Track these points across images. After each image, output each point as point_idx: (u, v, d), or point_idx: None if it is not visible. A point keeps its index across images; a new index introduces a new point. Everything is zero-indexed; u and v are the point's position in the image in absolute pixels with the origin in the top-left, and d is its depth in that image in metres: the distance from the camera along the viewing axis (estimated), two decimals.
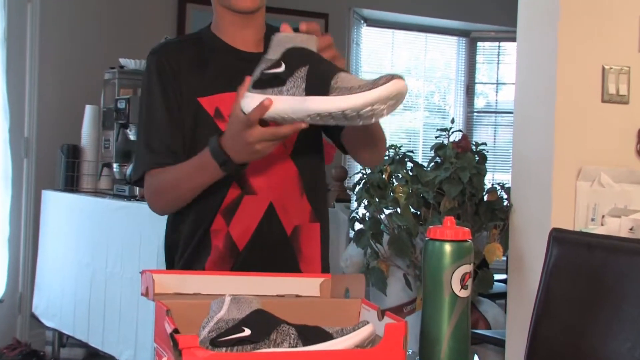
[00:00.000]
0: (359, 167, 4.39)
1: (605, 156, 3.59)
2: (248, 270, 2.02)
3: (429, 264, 1.72)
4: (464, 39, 8.65)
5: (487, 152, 4.29)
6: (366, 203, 4.25)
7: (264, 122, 1.85)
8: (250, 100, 1.83)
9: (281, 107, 1.78)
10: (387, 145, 3.26)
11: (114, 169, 5.16)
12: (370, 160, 2.48)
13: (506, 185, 4.06)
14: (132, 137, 5.08)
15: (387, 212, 4.20)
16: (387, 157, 4.17)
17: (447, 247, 1.70)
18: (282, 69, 1.79)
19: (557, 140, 3.52)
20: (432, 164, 4.23)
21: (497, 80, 8.77)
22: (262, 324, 1.49)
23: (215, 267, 2.25)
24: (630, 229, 3.38)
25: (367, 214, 4.27)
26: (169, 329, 1.41)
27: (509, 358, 3.71)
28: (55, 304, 5.38)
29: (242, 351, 1.46)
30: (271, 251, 2.27)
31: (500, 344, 3.99)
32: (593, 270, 2.20)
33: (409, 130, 8.63)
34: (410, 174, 4.18)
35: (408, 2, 7.68)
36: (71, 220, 5.33)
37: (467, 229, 1.72)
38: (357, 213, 4.32)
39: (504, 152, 8.16)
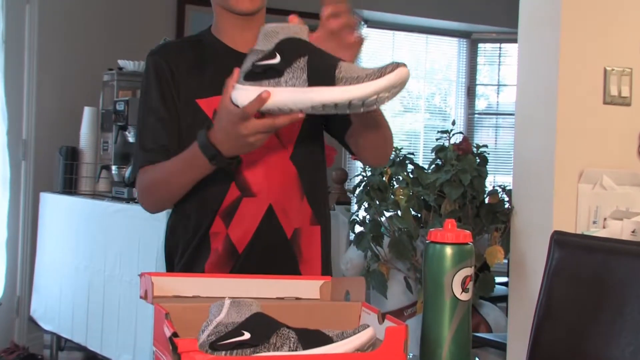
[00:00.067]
0: (360, 169, 4.38)
1: (607, 158, 3.59)
2: (248, 272, 2.02)
3: (429, 267, 1.71)
4: (465, 40, 8.63)
5: (488, 154, 4.28)
6: (366, 205, 4.25)
7: (257, 114, 1.84)
8: (243, 93, 1.82)
9: (281, 99, 1.78)
10: None
11: (113, 171, 5.14)
12: (377, 159, 2.45)
13: (507, 188, 4.05)
14: (130, 139, 5.07)
15: (387, 214, 4.19)
16: None
17: (448, 250, 1.69)
18: (277, 60, 1.78)
19: (559, 142, 3.52)
20: (433, 166, 4.22)
21: (498, 82, 8.76)
22: (262, 327, 1.49)
23: (215, 269, 2.24)
24: (633, 232, 3.42)
25: (368, 217, 4.26)
26: (168, 333, 1.41)
27: None
28: (54, 307, 5.36)
29: (241, 355, 1.46)
30: (271, 254, 2.26)
31: (501, 347, 3.98)
32: (595, 273, 2.20)
33: (410, 132, 8.62)
34: (411, 176, 4.17)
35: (408, 4, 7.67)
36: (69, 222, 5.32)
37: (468, 231, 1.72)
38: (357, 215, 4.32)
39: (505, 154, 8.15)
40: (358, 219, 4.29)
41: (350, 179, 5.78)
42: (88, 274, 5.01)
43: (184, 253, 2.31)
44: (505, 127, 8.52)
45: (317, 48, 1.82)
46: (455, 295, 1.68)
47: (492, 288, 4.15)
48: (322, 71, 1.74)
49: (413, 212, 4.13)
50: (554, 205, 3.50)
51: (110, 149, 5.24)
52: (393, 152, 4.17)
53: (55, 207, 5.52)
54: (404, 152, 4.26)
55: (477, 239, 4.07)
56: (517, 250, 3.76)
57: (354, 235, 4.33)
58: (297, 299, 1.82)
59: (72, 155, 5.52)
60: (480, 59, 8.70)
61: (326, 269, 2.36)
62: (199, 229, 2.27)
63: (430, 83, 8.72)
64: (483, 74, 8.78)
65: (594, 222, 3.51)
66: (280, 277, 1.87)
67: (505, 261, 4.04)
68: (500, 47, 8.67)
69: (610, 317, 2.12)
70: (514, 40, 3.88)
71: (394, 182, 4.20)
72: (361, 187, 4.26)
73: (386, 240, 4.19)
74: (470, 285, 1.70)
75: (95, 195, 5.40)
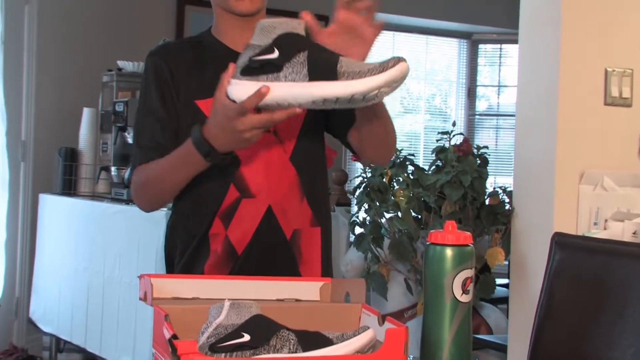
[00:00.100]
0: (360, 170, 4.37)
1: (608, 159, 3.60)
2: (247, 274, 2.02)
3: (430, 269, 1.70)
4: (466, 41, 8.62)
5: (489, 155, 4.29)
6: (367, 207, 4.26)
7: (254, 110, 1.84)
8: (240, 88, 1.81)
9: (280, 94, 1.77)
10: None
11: (112, 173, 5.13)
12: (380, 156, 2.42)
13: (508, 189, 4.07)
14: (130, 140, 5.06)
15: (387, 216, 4.20)
16: None
17: (449, 252, 1.68)
18: (275, 55, 1.78)
19: (560, 143, 3.52)
20: (433, 167, 4.23)
21: (499, 83, 8.75)
22: (262, 329, 1.48)
23: (214, 271, 2.23)
24: (634, 233, 3.44)
25: (368, 218, 4.27)
26: (167, 335, 1.40)
27: None
28: (53, 308, 5.35)
29: (241, 357, 1.45)
30: (270, 255, 2.25)
31: (502, 349, 3.99)
32: (596, 275, 2.19)
33: (410, 134, 8.60)
34: (411, 177, 4.18)
35: (409, 4, 7.66)
36: (69, 224, 5.31)
37: (468, 233, 1.71)
38: (357, 217, 4.33)
39: (505, 156, 8.13)
40: (358, 221, 4.30)
41: (350, 180, 5.78)
42: (87, 276, 5.00)
43: (183, 254, 2.30)
44: (506, 128, 8.51)
45: (315, 43, 1.83)
46: (455, 297, 1.67)
47: (492, 289, 4.17)
48: (324, 66, 1.75)
49: (413, 214, 4.14)
50: (555, 207, 3.51)
51: (109, 150, 5.23)
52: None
53: (55, 208, 5.50)
54: (404, 153, 4.27)
55: (478, 240, 4.08)
56: (517, 252, 3.76)
57: (354, 236, 4.34)
58: (297, 300, 1.81)
59: (72, 156, 5.50)
60: (480, 60, 8.69)
61: (326, 271, 2.35)
62: (198, 230, 2.26)
63: (431, 84, 8.70)
64: (483, 74, 8.76)
65: (595, 224, 3.52)
66: (280, 279, 1.86)
67: (506, 263, 4.05)
68: (500, 48, 8.66)
69: (611, 319, 2.12)
70: (515, 41, 3.89)
71: (394, 184, 4.21)
72: (361, 189, 4.27)
73: (386, 242, 4.20)
74: (470, 287, 1.69)
75: (94, 196, 5.38)
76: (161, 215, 4.04)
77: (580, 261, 2.24)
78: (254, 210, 2.23)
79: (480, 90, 8.75)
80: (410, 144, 8.42)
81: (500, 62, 8.72)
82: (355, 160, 5.75)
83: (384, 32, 1.96)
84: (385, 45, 8.08)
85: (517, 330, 3.68)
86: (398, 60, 1.74)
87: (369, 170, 4.23)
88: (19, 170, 5.85)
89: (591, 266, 2.21)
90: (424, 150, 8.28)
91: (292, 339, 1.47)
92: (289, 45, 1.79)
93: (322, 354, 1.47)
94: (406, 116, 8.57)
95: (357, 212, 4.36)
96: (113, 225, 4.84)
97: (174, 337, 1.38)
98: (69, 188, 5.50)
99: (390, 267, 4.24)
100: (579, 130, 3.55)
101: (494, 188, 4.18)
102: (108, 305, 4.78)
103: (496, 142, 8.58)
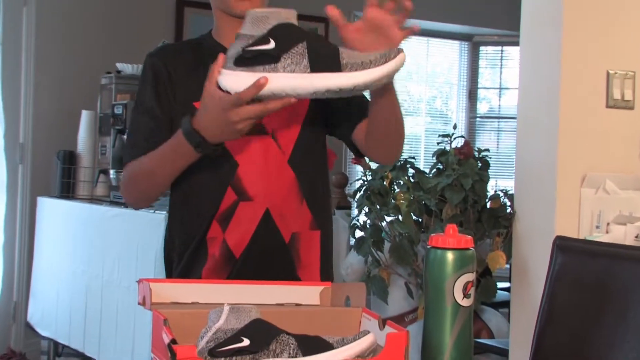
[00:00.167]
0: (360, 173, 4.36)
1: (610, 162, 3.60)
2: (245, 278, 2.01)
3: (430, 273, 1.69)
4: (467, 43, 8.62)
5: (490, 158, 4.30)
6: (367, 210, 4.26)
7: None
8: (234, 79, 1.81)
9: (278, 85, 1.77)
10: None
11: (111, 176, 5.12)
12: (390, 155, 2.40)
13: (509, 192, 4.06)
14: None
15: (388, 219, 4.20)
16: None
17: (449, 256, 1.67)
18: (271, 45, 1.78)
19: (561, 146, 3.52)
20: (434, 170, 4.23)
21: (500, 85, 8.75)
22: (262, 333, 1.48)
23: (212, 275, 2.22)
24: (636, 237, 3.46)
25: (368, 221, 4.27)
26: (166, 339, 1.40)
27: None
28: (51, 312, 5.35)
29: None
30: (269, 259, 2.24)
31: (503, 353, 4.00)
32: (598, 279, 2.19)
33: (411, 136, 8.59)
34: (412, 180, 4.18)
35: None
36: (67, 227, 5.30)
37: (469, 236, 1.69)
38: (357, 220, 4.33)
39: (507, 158, 8.13)
40: (358, 224, 4.30)
41: (351, 184, 5.77)
42: (86, 279, 4.99)
43: (181, 258, 2.29)
44: (507, 130, 8.51)
45: (311, 33, 1.83)
46: (456, 301, 1.66)
47: (494, 293, 4.17)
48: (326, 57, 1.77)
49: (414, 217, 4.14)
50: (557, 210, 3.51)
51: (108, 152, 5.24)
52: None
53: (53, 211, 5.50)
54: (404, 156, 4.24)
55: (479, 244, 4.09)
56: (519, 256, 3.77)
57: (354, 240, 4.34)
58: (296, 305, 1.81)
59: (70, 159, 5.52)
60: (481, 62, 8.69)
61: (326, 275, 2.33)
62: (196, 233, 2.25)
63: (432, 86, 8.69)
64: (485, 77, 8.77)
65: (597, 227, 3.52)
66: (280, 283, 1.86)
67: (507, 266, 4.07)
68: (502, 50, 8.66)
69: (613, 323, 2.11)
70: (516, 43, 3.90)
71: (395, 187, 4.20)
72: (362, 192, 4.27)
73: (387, 245, 4.20)
74: (471, 291, 1.67)
75: (93, 199, 5.39)
76: (160, 219, 4.04)
77: (582, 265, 2.23)
78: (252, 213, 2.22)
79: (481, 93, 8.75)
80: (411, 147, 8.41)
81: (501, 64, 8.72)
82: (355, 163, 5.74)
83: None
84: None
85: (519, 335, 3.68)
86: (398, 51, 1.78)
87: (370, 173, 4.24)
88: (17, 173, 5.85)
89: (593, 270, 2.20)
90: (424, 153, 8.27)
91: (292, 344, 1.47)
92: (285, 36, 1.78)
93: (323, 359, 1.46)
94: (407, 119, 8.51)
95: (358, 216, 4.35)
96: (112, 228, 4.83)
97: (173, 341, 1.37)
98: (68, 191, 5.51)
99: (391, 271, 4.25)
100: (580, 133, 3.55)
101: (495, 191, 4.16)
102: (107, 308, 4.77)
103: (497, 144, 8.59)
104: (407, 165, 4.20)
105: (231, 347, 1.45)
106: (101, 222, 4.95)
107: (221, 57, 1.85)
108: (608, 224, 3.52)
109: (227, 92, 1.82)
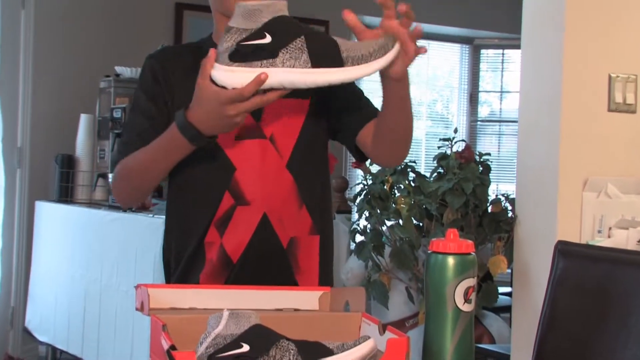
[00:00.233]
0: (360, 177, 4.35)
1: (612, 166, 3.60)
2: (242, 283, 2.02)
3: (431, 278, 1.69)
4: (467, 46, 8.61)
5: (491, 162, 4.30)
6: (367, 214, 4.26)
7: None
8: (230, 74, 1.82)
9: (278, 80, 1.79)
10: None
11: (110, 180, 5.11)
12: (397, 157, 2.38)
13: (511, 196, 4.06)
14: None
15: (388, 223, 4.20)
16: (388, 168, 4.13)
17: (450, 261, 1.66)
18: (267, 40, 1.78)
19: (563, 150, 3.53)
20: (435, 174, 4.23)
21: (501, 89, 8.74)
22: (261, 339, 1.47)
23: (210, 280, 2.21)
24: (638, 241, 3.53)
25: (369, 226, 4.28)
26: (165, 345, 1.39)
27: None
28: (49, 318, 5.35)
29: None
30: (266, 264, 2.22)
31: (505, 358, 3.98)
32: (599, 284, 2.20)
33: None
34: (413, 184, 4.17)
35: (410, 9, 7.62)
36: (65, 231, 5.30)
37: (470, 241, 1.69)
38: (358, 225, 4.34)
39: (508, 162, 8.13)
40: (359, 228, 4.30)
41: (351, 188, 5.77)
42: (84, 284, 4.99)
43: (179, 263, 2.28)
44: (509, 134, 8.50)
45: (307, 27, 1.83)
46: (457, 306, 1.66)
47: (495, 298, 4.19)
48: (327, 52, 1.78)
49: (415, 221, 4.14)
50: (558, 214, 3.51)
51: (107, 156, 5.25)
52: None
53: (51, 215, 5.51)
54: (405, 160, 4.22)
55: (480, 248, 4.10)
56: (520, 260, 3.77)
57: (354, 244, 4.34)
58: (295, 310, 1.81)
59: (68, 163, 5.53)
60: (482, 65, 8.68)
61: (325, 280, 2.32)
62: (193, 238, 2.24)
63: (432, 90, 8.69)
64: (486, 80, 8.76)
65: (599, 231, 3.53)
66: (278, 288, 1.86)
67: (509, 271, 4.08)
68: (503, 53, 8.66)
69: (615, 328, 2.12)
70: (517, 46, 3.91)
71: (395, 191, 4.21)
72: (362, 196, 4.27)
73: (387, 250, 4.20)
74: (472, 296, 1.67)
75: (91, 203, 5.39)
76: (159, 223, 4.02)
77: (583, 270, 2.25)
78: (249, 218, 2.20)
79: (482, 96, 8.74)
80: (412, 151, 8.32)
81: (502, 68, 8.72)
82: (356, 167, 5.72)
83: None
84: None
85: (520, 340, 3.69)
86: (394, 40, 1.81)
87: (370, 177, 4.24)
88: (15, 177, 5.86)
89: (595, 275, 2.22)
90: (425, 157, 8.25)
91: (292, 349, 1.46)
92: (282, 30, 1.79)
93: None
94: None
95: (358, 220, 4.36)
96: (110, 232, 4.83)
97: (173, 347, 1.37)
98: (66, 195, 5.52)
99: (392, 276, 4.24)
100: (582, 137, 3.55)
101: (497, 195, 4.17)
102: (105, 313, 4.77)
103: (499, 148, 8.58)
104: (408, 170, 4.20)
105: (231, 353, 1.44)
106: (100, 227, 4.95)
107: (212, 52, 1.86)
108: (610, 228, 3.52)
109: (222, 87, 1.83)
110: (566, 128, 3.51)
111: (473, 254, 1.68)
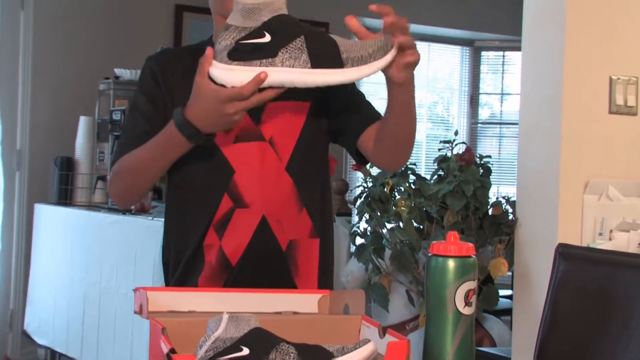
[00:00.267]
0: (360, 180, 4.35)
1: (613, 169, 3.59)
2: (241, 285, 2.01)
3: (431, 281, 1.68)
4: (468, 48, 8.61)
5: (492, 164, 4.28)
6: (367, 217, 4.24)
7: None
8: (229, 72, 1.82)
9: (277, 79, 1.80)
10: None
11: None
12: (399, 161, 2.40)
13: (511, 199, 4.04)
14: None
15: (389, 226, 4.19)
16: None
17: (451, 263, 1.66)
18: (266, 39, 1.79)
19: (564, 152, 3.52)
20: (435, 177, 4.21)
21: (502, 91, 8.75)
22: (261, 342, 1.47)
23: (208, 283, 2.21)
24: (639, 244, 3.37)
25: (369, 229, 4.26)
26: (165, 349, 1.40)
27: None
28: (48, 321, 5.34)
29: None
30: (265, 266, 2.22)
31: None
32: (600, 287, 2.20)
33: None
34: (413, 187, 4.16)
35: (410, 11, 7.54)
36: (65, 234, 5.30)
37: (471, 244, 1.68)
38: (358, 227, 4.32)
39: (509, 165, 8.13)
40: (359, 231, 4.28)
41: (351, 190, 5.77)
42: (83, 287, 4.98)
43: (178, 266, 2.28)
44: (509, 136, 8.50)
45: (306, 26, 1.84)
46: (458, 309, 1.65)
47: (496, 301, 4.17)
48: (326, 53, 1.79)
49: (415, 224, 4.13)
50: (559, 217, 3.50)
51: (106, 159, 5.24)
52: None
53: (50, 218, 5.51)
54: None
55: (481, 251, 4.08)
56: (521, 263, 3.75)
57: (354, 247, 4.34)
58: (294, 313, 1.80)
59: (68, 165, 5.53)
60: (483, 67, 8.68)
61: (325, 283, 2.32)
62: (192, 240, 2.24)
63: (433, 92, 8.69)
64: (486, 82, 8.76)
65: (600, 234, 3.52)
66: (277, 291, 1.85)
67: (510, 274, 4.07)
68: (503, 55, 8.66)
69: (616, 331, 2.12)
70: (518, 48, 3.91)
71: (396, 193, 4.19)
72: (362, 198, 4.25)
73: (388, 253, 4.18)
74: (473, 299, 1.67)
75: (91, 206, 5.39)
76: (158, 225, 4.01)
77: (584, 272, 2.25)
78: (248, 220, 2.20)
79: (482, 98, 8.74)
80: (412, 153, 8.36)
81: (503, 70, 8.72)
82: (356, 170, 5.72)
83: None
84: None
85: (521, 343, 3.68)
86: (392, 39, 1.82)
87: (370, 179, 4.23)
88: (14, 180, 5.87)
89: (596, 277, 2.22)
90: (425, 160, 8.25)
91: (292, 353, 1.45)
92: (282, 30, 1.80)
93: None
94: None
95: (358, 223, 4.34)
96: (110, 235, 4.82)
97: (172, 351, 1.37)
98: (65, 198, 5.51)
99: (392, 279, 4.23)
100: (583, 139, 3.54)
101: (497, 198, 4.16)
102: (104, 316, 4.76)
103: (499, 150, 8.58)
104: (408, 172, 4.19)
105: (231, 357, 1.43)
106: (99, 229, 4.94)
107: (210, 50, 1.86)
108: (611, 231, 3.51)
109: (221, 85, 1.84)
110: (567, 130, 3.50)
111: (473, 256, 1.68)
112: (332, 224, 2.40)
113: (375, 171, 4.21)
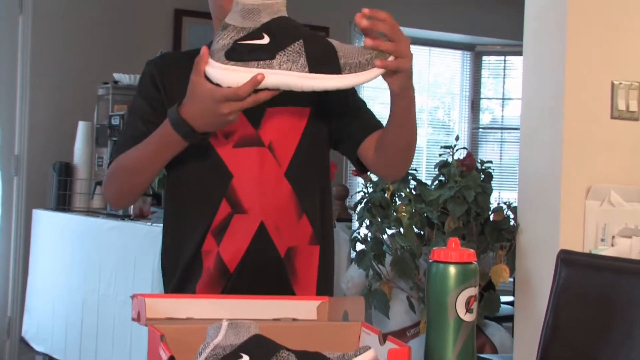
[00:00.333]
0: (361, 185, 4.34)
1: (615, 174, 3.58)
2: (239, 292, 2.03)
3: (432, 287, 1.69)
4: (469, 52, 8.61)
5: (493, 170, 4.28)
6: (368, 223, 4.24)
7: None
8: (226, 73, 1.83)
9: (274, 82, 1.81)
10: None
11: None
12: (399, 171, 2.40)
13: (513, 205, 4.05)
14: None
15: (389, 232, 4.18)
16: None
17: (452, 270, 1.67)
18: (265, 41, 1.79)
19: (565, 157, 3.51)
20: (436, 182, 4.21)
21: (503, 96, 8.75)
22: (261, 349, 1.46)
23: (206, 289, 2.21)
24: None
25: (369, 234, 4.25)
26: (164, 356, 1.40)
27: None
28: (46, 327, 5.33)
29: None
30: (263, 274, 2.22)
31: None
32: (602, 293, 2.20)
33: None
34: (414, 192, 4.15)
35: (410, 15, 7.62)
36: (63, 240, 5.30)
37: (472, 250, 1.70)
38: (358, 233, 4.31)
39: (510, 170, 8.13)
40: (359, 237, 4.28)
41: (352, 196, 5.77)
42: (82, 293, 4.98)
43: (176, 272, 2.28)
44: (510, 141, 8.51)
45: (306, 29, 1.84)
46: (459, 316, 1.66)
47: (497, 308, 4.15)
48: (324, 58, 1.79)
49: (416, 230, 4.12)
50: (561, 223, 3.49)
51: (104, 164, 5.25)
52: None
53: (48, 224, 5.50)
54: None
55: (482, 257, 4.07)
56: (522, 269, 3.75)
57: (355, 253, 4.33)
58: (293, 319, 1.80)
59: (66, 171, 5.54)
60: (484, 72, 8.69)
61: (325, 289, 2.31)
62: (190, 246, 2.24)
63: (433, 97, 8.69)
64: (487, 87, 8.76)
65: (602, 240, 3.51)
66: (276, 298, 1.86)
67: (511, 280, 4.05)
68: (504, 60, 8.67)
69: (618, 338, 2.12)
70: (519, 53, 3.91)
71: (396, 199, 4.19)
72: (362, 204, 4.25)
73: (388, 259, 4.17)
74: (474, 306, 1.68)
75: (89, 212, 5.39)
76: (157, 231, 4.00)
77: (586, 279, 2.25)
78: (246, 226, 2.20)
79: (484, 103, 8.74)
80: (413, 159, 8.38)
81: (504, 74, 8.73)
82: (356, 175, 5.71)
83: None
84: None
85: (523, 350, 3.66)
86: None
87: (370, 185, 4.23)
88: (12, 185, 5.86)
89: (598, 284, 2.22)
90: (426, 165, 8.25)
91: None
92: (281, 32, 1.80)
93: None
94: None
95: (358, 228, 4.34)
96: (108, 241, 4.82)
97: (172, 358, 1.37)
98: (64, 203, 5.52)
99: (392, 285, 4.22)
100: (585, 144, 3.54)
101: (499, 203, 4.16)
102: (103, 323, 4.76)
103: (500, 156, 8.59)
104: (409, 177, 4.19)
105: None
106: (97, 235, 4.94)
107: (205, 49, 1.87)
108: (613, 237, 3.51)
109: (217, 84, 1.84)
110: (569, 135, 3.49)
111: (475, 262, 1.69)
112: (332, 230, 2.40)
113: (375, 177, 4.20)
